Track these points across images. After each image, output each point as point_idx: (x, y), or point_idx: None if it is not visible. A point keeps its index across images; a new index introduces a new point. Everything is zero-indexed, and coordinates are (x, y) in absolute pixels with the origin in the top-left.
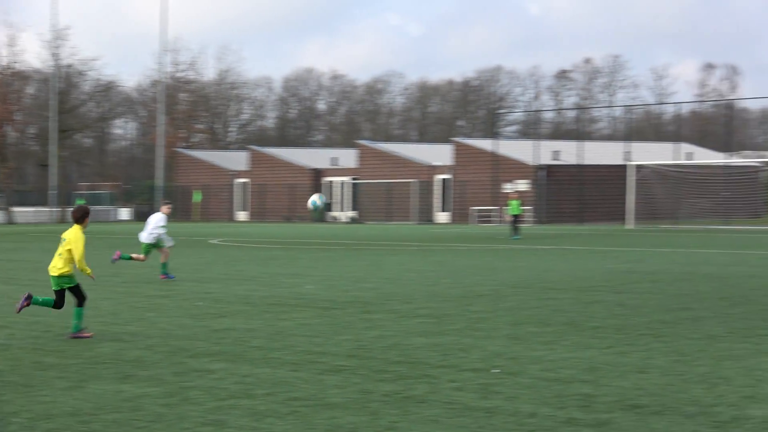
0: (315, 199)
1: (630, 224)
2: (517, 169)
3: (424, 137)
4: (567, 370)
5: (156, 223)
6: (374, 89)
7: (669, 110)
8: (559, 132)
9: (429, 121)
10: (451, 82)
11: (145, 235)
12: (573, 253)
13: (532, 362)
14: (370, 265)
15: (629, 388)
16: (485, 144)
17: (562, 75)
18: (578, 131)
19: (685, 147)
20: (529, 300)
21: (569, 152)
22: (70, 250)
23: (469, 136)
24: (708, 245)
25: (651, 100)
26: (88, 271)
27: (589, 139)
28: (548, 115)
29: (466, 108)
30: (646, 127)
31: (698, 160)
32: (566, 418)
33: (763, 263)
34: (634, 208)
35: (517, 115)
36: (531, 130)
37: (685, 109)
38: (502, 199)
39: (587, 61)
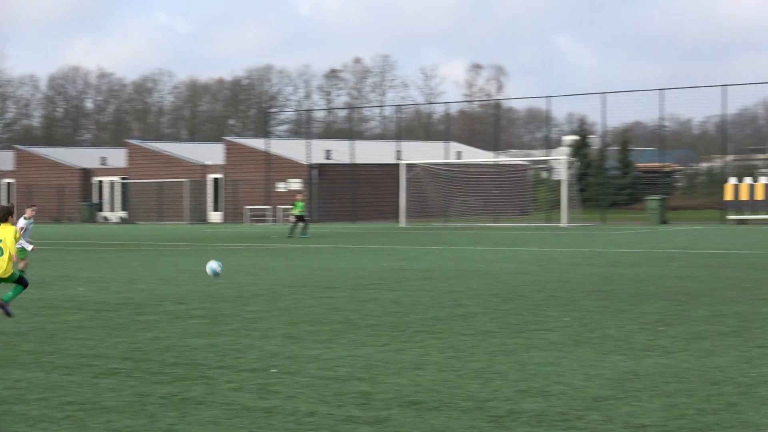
0: (215, 268)
1: (403, 222)
2: (290, 168)
3: (195, 136)
4: (344, 368)
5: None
6: (143, 88)
7: (438, 110)
8: (331, 131)
9: (200, 120)
10: (221, 81)
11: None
12: (347, 252)
13: (310, 361)
14: (142, 266)
15: (406, 385)
16: (257, 143)
17: (333, 74)
18: (350, 130)
19: (455, 146)
20: (305, 299)
21: (341, 151)
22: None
23: (241, 135)
24: (479, 242)
25: (421, 99)
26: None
27: (361, 138)
28: (320, 115)
29: (237, 107)
30: (417, 126)
31: (468, 159)
32: (345, 416)
33: (532, 259)
34: (406, 206)
35: (289, 114)
36: (303, 129)
37: (454, 108)
38: (275, 198)
39: (357, 60)
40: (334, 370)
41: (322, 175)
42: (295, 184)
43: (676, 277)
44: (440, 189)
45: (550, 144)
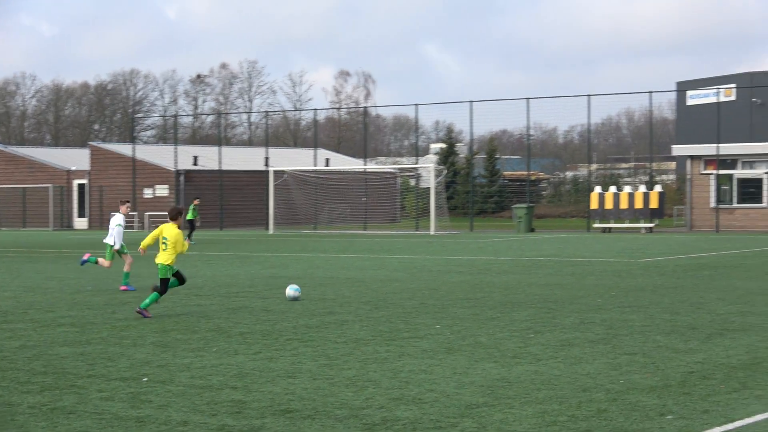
0: (293, 294)
1: (272, 230)
2: (157, 174)
3: (59, 141)
4: (217, 376)
5: (114, 223)
6: (5, 91)
7: (306, 117)
8: (198, 137)
9: (64, 125)
10: (85, 85)
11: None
12: (216, 259)
13: (181, 370)
14: (6, 274)
15: (280, 393)
16: (123, 148)
17: (199, 80)
18: (217, 136)
19: (324, 153)
20: (175, 306)
21: (209, 157)
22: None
23: (107, 140)
24: (348, 250)
25: (288, 106)
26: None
27: (229, 144)
28: (186, 120)
29: (102, 111)
30: (285, 133)
31: (336, 166)
32: (219, 425)
33: (402, 267)
34: (275, 213)
35: (155, 119)
36: (169, 134)
37: (322, 115)
38: (142, 205)
39: (224, 66)
40: (206, 378)
41: (189, 182)
42: (162, 190)
43: (544, 284)
44: (309, 196)
45: (418, 152)
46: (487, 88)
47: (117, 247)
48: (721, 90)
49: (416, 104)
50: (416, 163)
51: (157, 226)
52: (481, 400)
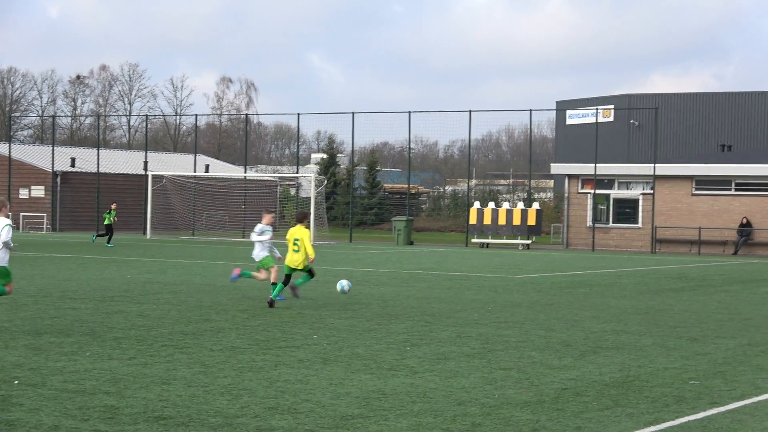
0: (344, 287)
1: (149, 234)
2: (33, 175)
3: None
4: (90, 381)
5: (259, 231)
6: None
7: (187, 122)
8: (76, 138)
9: None
10: None
11: (255, 252)
12: (92, 262)
13: (54, 373)
14: None
15: (153, 400)
16: None
17: (79, 80)
18: (96, 138)
19: (204, 159)
20: (48, 309)
21: (87, 159)
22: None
23: None
24: (227, 257)
25: (169, 110)
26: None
27: (108, 147)
28: (65, 121)
29: None
30: (165, 137)
31: (216, 173)
32: (91, 430)
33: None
34: (152, 218)
35: (32, 119)
36: (47, 135)
37: (203, 121)
38: (17, 205)
39: (104, 68)
40: (79, 383)
41: (66, 183)
42: (38, 191)
43: (422, 297)
44: (187, 202)
45: (299, 161)
46: (371, 99)
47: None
48: (599, 111)
49: (298, 113)
50: (297, 173)
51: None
52: (357, 411)
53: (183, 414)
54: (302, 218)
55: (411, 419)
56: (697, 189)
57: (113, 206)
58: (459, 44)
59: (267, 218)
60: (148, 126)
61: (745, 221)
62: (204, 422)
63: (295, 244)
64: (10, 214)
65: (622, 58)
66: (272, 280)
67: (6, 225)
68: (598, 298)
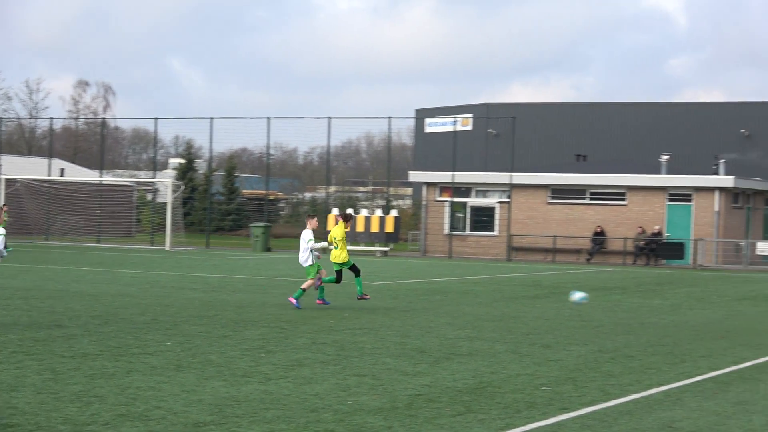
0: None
1: None
2: None
3: None
4: None
5: (304, 239)
6: None
7: (42, 125)
8: None
9: None
10: None
11: (303, 257)
12: None
13: None
14: None
15: (1, 407)
16: None
17: None
18: None
19: (59, 163)
20: None
21: None
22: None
23: None
24: (80, 263)
25: (24, 113)
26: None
27: None
28: None
29: None
30: (20, 140)
31: (71, 177)
32: None
33: (135, 282)
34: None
35: None
36: None
37: (59, 124)
38: None
39: None
40: None
41: None
42: None
43: (278, 304)
44: (42, 206)
45: (156, 166)
46: (232, 105)
47: None
48: (458, 119)
49: (156, 118)
50: (154, 178)
51: None
52: (209, 418)
53: (31, 421)
54: (347, 218)
55: (264, 426)
56: (552, 198)
57: (5, 208)
58: (321, 51)
59: (312, 223)
60: (2, 129)
61: (599, 230)
62: (53, 429)
63: (335, 242)
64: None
65: (483, 67)
66: (305, 286)
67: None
68: (454, 305)
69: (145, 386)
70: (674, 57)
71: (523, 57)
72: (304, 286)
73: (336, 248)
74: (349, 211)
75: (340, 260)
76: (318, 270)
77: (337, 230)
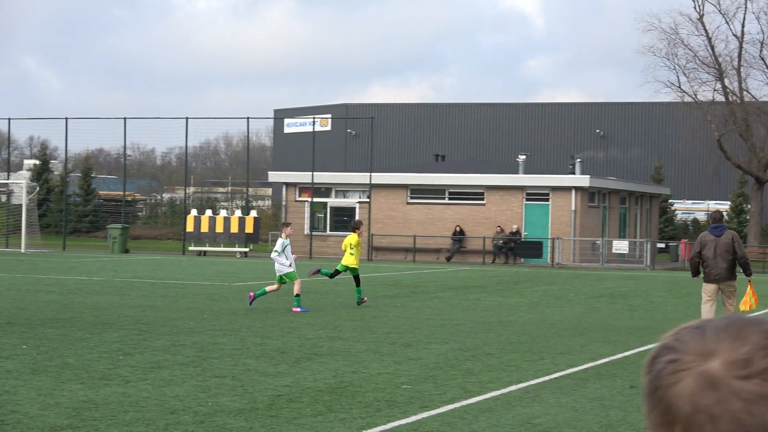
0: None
1: None
2: None
3: None
4: None
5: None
6: None
7: None
8: None
9: None
10: None
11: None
12: None
13: None
14: None
15: None
16: None
17: None
18: None
19: None
20: None
21: None
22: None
23: None
24: None
25: None
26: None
27: None
28: None
29: None
30: None
31: None
32: None
33: None
34: None
35: None
36: None
37: None
38: None
39: None
40: None
41: None
42: None
43: (137, 306)
44: None
45: (10, 167)
46: (89, 105)
47: None
48: (317, 120)
49: (9, 118)
50: (8, 179)
51: None
52: (66, 422)
53: None
54: (357, 227)
55: (122, 429)
56: (412, 198)
57: None
58: (180, 51)
59: (287, 231)
60: None
61: (458, 229)
62: None
63: (351, 248)
64: None
65: (342, 68)
66: (296, 292)
67: None
68: (314, 305)
69: (0, 390)
70: (532, 58)
71: (382, 58)
72: (296, 291)
73: (352, 255)
74: (208, 212)
75: (347, 263)
76: (283, 280)
77: (350, 239)
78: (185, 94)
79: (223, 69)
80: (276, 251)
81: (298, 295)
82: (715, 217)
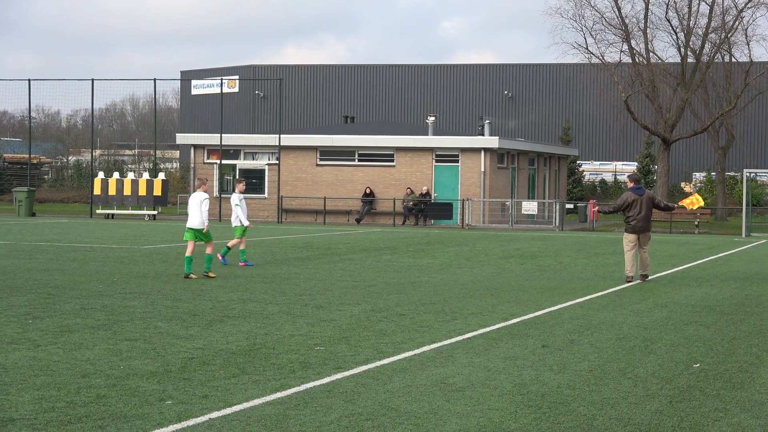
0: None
1: None
2: None
3: None
4: None
5: (233, 201)
6: None
7: None
8: None
9: None
10: None
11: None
12: None
13: None
14: None
15: None
16: None
17: None
18: None
19: None
20: None
21: None
22: None
23: None
24: None
25: None
26: None
27: None
28: None
29: None
30: None
31: None
32: None
33: None
34: None
35: None
36: None
37: None
38: None
39: None
40: None
41: None
42: None
43: (45, 270)
44: None
45: None
46: None
47: None
48: (224, 81)
49: None
50: None
51: None
52: None
53: None
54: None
55: (34, 393)
56: (321, 160)
57: None
58: (88, 12)
59: (240, 186)
60: None
61: (368, 191)
62: None
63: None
64: None
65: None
66: (241, 246)
67: None
68: (225, 267)
69: None
70: (448, 19)
71: (296, 19)
72: (229, 243)
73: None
74: (116, 174)
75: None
76: (244, 232)
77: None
78: (93, 56)
79: (131, 30)
80: (238, 204)
81: (229, 247)
82: (635, 178)
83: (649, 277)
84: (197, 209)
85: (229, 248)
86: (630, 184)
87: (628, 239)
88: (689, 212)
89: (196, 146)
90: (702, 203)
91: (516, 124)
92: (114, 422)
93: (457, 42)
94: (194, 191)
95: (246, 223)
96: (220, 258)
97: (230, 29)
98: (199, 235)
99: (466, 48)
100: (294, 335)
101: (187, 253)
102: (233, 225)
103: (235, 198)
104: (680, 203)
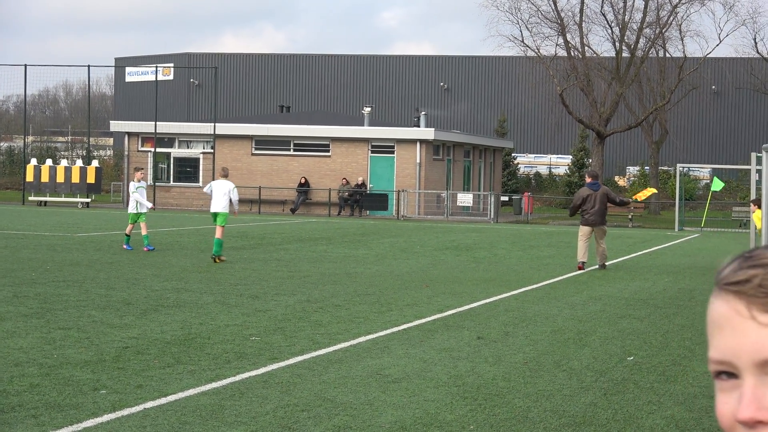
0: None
1: None
2: None
3: None
4: None
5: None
6: None
7: None
8: None
9: None
10: None
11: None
12: None
13: None
14: None
15: None
16: None
17: None
18: None
19: None
20: None
21: None
22: None
23: None
24: None
25: None
26: None
27: None
28: None
29: None
30: None
31: None
32: None
33: None
34: None
35: None
36: None
37: None
38: None
39: None
40: None
41: None
42: None
43: None
44: None
45: None
46: None
47: None
48: (159, 69)
49: None
50: None
51: None
52: None
53: None
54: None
55: None
56: (256, 149)
57: None
58: None
59: (138, 175)
60: None
61: (303, 181)
62: None
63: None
64: None
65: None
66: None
67: None
68: (159, 257)
69: None
70: (387, 10)
71: (235, 8)
72: (126, 231)
73: None
74: (48, 161)
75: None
76: (138, 219)
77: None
78: (26, 41)
79: (66, 15)
80: (134, 191)
81: (127, 235)
82: (593, 174)
83: (584, 270)
84: (223, 196)
85: (127, 235)
86: (588, 180)
87: (583, 231)
88: (640, 203)
89: (130, 134)
90: (654, 190)
91: (451, 115)
92: (48, 411)
93: (396, 33)
94: (215, 179)
95: (149, 205)
96: (125, 246)
97: (167, 17)
98: (220, 219)
99: (406, 39)
100: (229, 325)
101: (217, 236)
102: (128, 212)
103: (132, 186)
104: (634, 197)
